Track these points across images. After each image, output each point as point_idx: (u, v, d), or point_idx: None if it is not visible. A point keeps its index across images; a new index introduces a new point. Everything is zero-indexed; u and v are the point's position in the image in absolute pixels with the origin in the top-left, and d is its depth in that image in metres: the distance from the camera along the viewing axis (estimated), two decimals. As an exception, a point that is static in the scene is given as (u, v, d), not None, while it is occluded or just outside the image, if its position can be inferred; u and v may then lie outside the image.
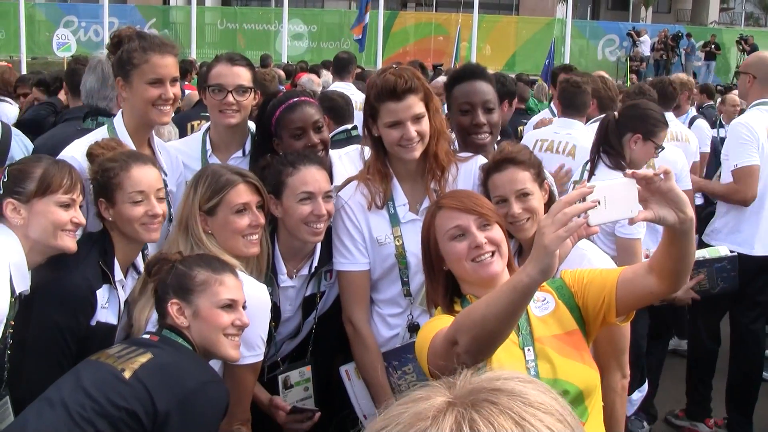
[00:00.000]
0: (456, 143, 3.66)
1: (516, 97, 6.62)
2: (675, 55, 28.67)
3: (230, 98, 3.62)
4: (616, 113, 4.62)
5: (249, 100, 3.70)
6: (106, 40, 3.81)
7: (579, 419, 1.13)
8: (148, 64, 3.30)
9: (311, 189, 3.23)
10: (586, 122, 5.87)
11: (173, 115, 4.03)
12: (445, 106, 3.89)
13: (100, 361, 2.57)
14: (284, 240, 3.38)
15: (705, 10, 49.70)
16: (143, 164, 3.07)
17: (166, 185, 3.29)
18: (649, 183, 2.12)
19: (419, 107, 3.18)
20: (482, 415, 1.06)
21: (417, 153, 3.21)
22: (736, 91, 10.03)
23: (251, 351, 3.02)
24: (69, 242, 2.89)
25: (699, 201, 6.45)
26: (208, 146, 3.78)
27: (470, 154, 3.47)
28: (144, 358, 2.55)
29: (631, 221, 2.16)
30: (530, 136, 5.98)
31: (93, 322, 2.92)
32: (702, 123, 8.11)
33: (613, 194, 2.09)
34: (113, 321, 2.99)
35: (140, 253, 3.24)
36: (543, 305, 2.64)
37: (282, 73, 12.21)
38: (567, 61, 19.25)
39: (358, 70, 11.13)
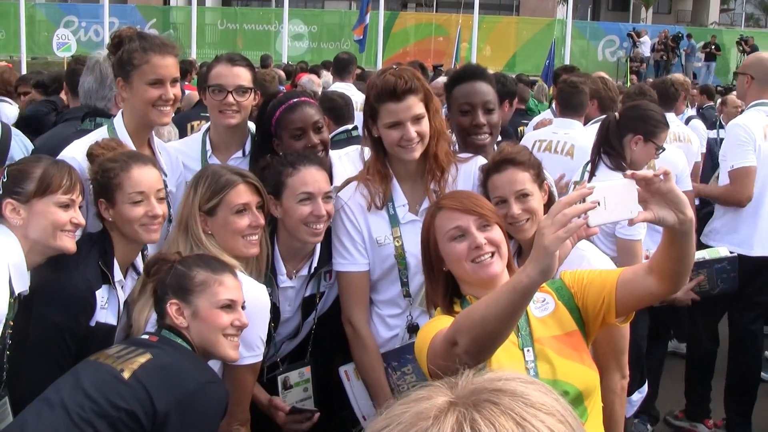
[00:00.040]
0: (456, 144, 3.65)
1: (516, 97, 6.63)
2: (675, 55, 28.67)
3: (230, 99, 3.62)
4: (616, 114, 4.62)
5: (249, 100, 3.70)
6: (107, 41, 3.81)
7: (580, 420, 1.14)
8: (148, 65, 3.30)
9: (311, 189, 3.23)
10: (587, 123, 5.87)
11: (173, 115, 4.03)
12: (445, 106, 3.89)
13: (99, 361, 2.57)
14: (284, 240, 3.38)
15: (705, 10, 49.74)
16: (143, 165, 3.07)
17: (166, 186, 3.29)
18: (649, 184, 2.12)
19: (419, 108, 3.18)
20: (483, 416, 1.06)
21: (417, 154, 3.21)
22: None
23: (250, 351, 3.01)
24: (68, 243, 2.89)
25: (696, 201, 6.45)
26: (208, 147, 3.77)
27: (470, 155, 3.47)
28: (143, 359, 2.54)
29: (631, 222, 2.16)
30: (529, 136, 6.00)
31: (92, 323, 2.91)
32: (698, 124, 8.12)
33: (613, 195, 2.09)
34: (113, 321, 2.99)
35: (140, 254, 3.24)
36: (543, 306, 2.64)
37: (282, 73, 12.21)
38: (567, 61, 19.25)
39: (358, 71, 11.13)
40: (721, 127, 8.80)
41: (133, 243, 3.11)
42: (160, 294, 2.81)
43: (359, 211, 3.36)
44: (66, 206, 2.89)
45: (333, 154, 3.70)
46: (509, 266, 2.66)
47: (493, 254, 2.59)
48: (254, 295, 2.98)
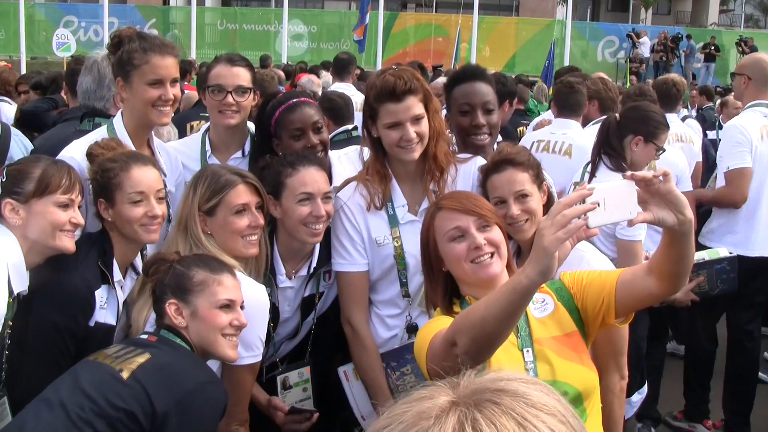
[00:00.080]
0: (455, 144, 3.65)
1: (516, 97, 6.63)
2: (674, 56, 28.68)
3: (230, 99, 3.62)
4: (617, 115, 4.62)
5: (248, 100, 3.70)
6: (106, 41, 3.80)
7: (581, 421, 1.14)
8: (148, 65, 3.29)
9: (310, 190, 3.23)
10: (587, 124, 5.88)
11: (172, 115, 4.02)
12: (445, 107, 3.89)
13: (98, 361, 2.57)
14: (283, 241, 3.37)
15: (705, 11, 49.77)
16: (143, 165, 3.07)
17: (165, 186, 3.28)
18: (649, 185, 2.12)
19: (418, 108, 3.17)
20: (485, 416, 1.06)
21: (416, 154, 3.21)
22: (734, 93, 10.03)
23: (249, 351, 3.01)
24: (67, 243, 2.89)
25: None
26: (208, 147, 3.77)
27: (469, 155, 3.47)
28: (142, 359, 2.54)
29: (630, 223, 2.16)
30: (528, 137, 6.02)
31: (91, 323, 2.91)
32: (693, 123, 8.12)
33: (613, 196, 2.09)
34: (112, 321, 2.99)
35: (139, 254, 3.24)
36: (542, 307, 2.64)
37: (282, 73, 12.22)
38: (567, 62, 19.30)
39: (358, 71, 11.13)
40: (721, 128, 8.83)
41: (133, 243, 3.11)
42: (159, 294, 2.81)
43: (358, 211, 3.36)
44: (65, 206, 2.88)
45: (332, 154, 3.70)
46: (509, 267, 2.66)
47: (492, 255, 2.59)
48: (253, 295, 2.98)
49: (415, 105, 3.17)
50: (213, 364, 2.87)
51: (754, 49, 23.55)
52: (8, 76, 7.77)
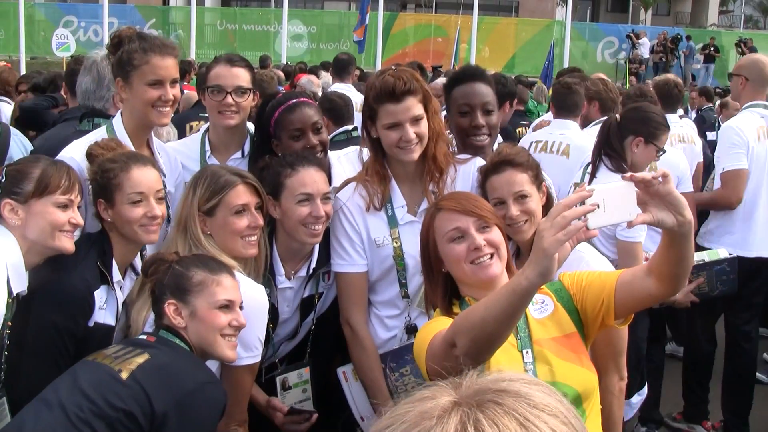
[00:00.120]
0: (455, 145, 3.65)
1: (516, 98, 6.64)
2: (674, 57, 28.70)
3: (229, 99, 3.62)
4: (617, 116, 4.62)
5: (248, 101, 3.70)
6: (106, 41, 3.80)
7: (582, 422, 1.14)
8: (148, 65, 3.29)
9: (309, 190, 3.23)
10: (587, 124, 5.89)
11: (172, 115, 4.02)
12: (444, 107, 3.89)
13: (97, 361, 2.57)
14: (282, 241, 3.37)
15: (704, 12, 49.80)
16: (143, 165, 3.06)
17: (164, 186, 3.28)
18: (648, 186, 2.12)
19: (418, 109, 3.17)
20: (487, 416, 1.06)
21: (415, 155, 3.21)
22: (734, 94, 10.04)
23: (248, 352, 3.01)
24: (67, 243, 2.89)
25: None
26: (207, 147, 3.77)
27: (469, 156, 3.47)
28: (141, 359, 2.54)
29: (630, 224, 2.16)
30: (527, 138, 6.03)
31: (91, 323, 2.91)
32: (688, 123, 8.13)
33: (612, 197, 2.09)
34: (111, 322, 2.99)
35: (138, 254, 3.24)
36: (542, 308, 2.64)
37: (281, 74, 12.21)
38: (566, 62, 19.31)
39: (358, 72, 11.14)
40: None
41: (132, 243, 3.10)
42: (158, 294, 2.81)
43: (358, 212, 3.36)
44: (64, 206, 2.88)
45: (332, 154, 3.70)
46: (508, 267, 2.66)
47: (492, 255, 2.58)
48: (252, 295, 2.98)
49: (414, 106, 3.16)
50: (212, 365, 2.87)
51: (753, 50, 23.58)
52: (8, 76, 7.77)
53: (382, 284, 3.41)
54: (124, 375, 2.48)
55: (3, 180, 2.87)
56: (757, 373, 6.27)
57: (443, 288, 2.70)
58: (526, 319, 2.58)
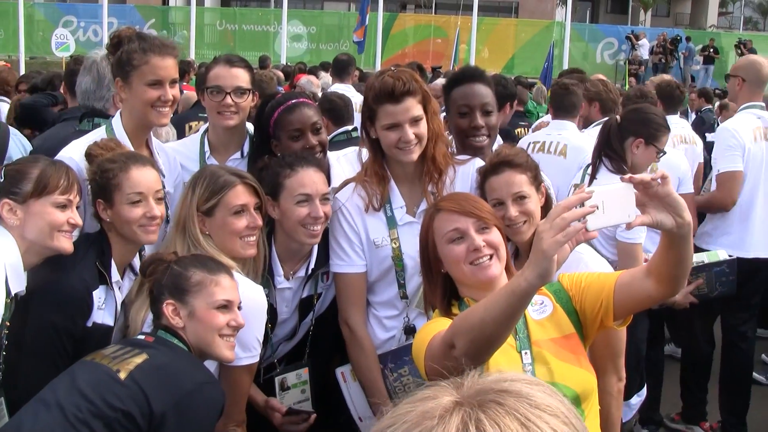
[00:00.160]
0: (454, 146, 3.65)
1: (516, 99, 6.65)
2: (673, 58, 28.75)
3: (228, 100, 3.61)
4: (618, 117, 4.62)
5: (247, 101, 3.70)
6: (105, 41, 3.80)
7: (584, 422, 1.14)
8: (147, 66, 3.29)
9: (308, 191, 3.23)
10: (588, 125, 5.90)
11: (171, 116, 4.02)
12: (443, 108, 3.89)
13: (95, 362, 2.57)
14: (281, 241, 3.37)
15: (704, 14, 49.85)
16: (142, 165, 3.06)
17: (163, 186, 3.28)
18: (647, 187, 2.12)
19: (417, 110, 3.17)
20: (488, 416, 1.07)
21: (415, 155, 3.21)
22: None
23: (247, 352, 3.01)
24: (65, 243, 2.88)
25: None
26: (207, 148, 3.77)
27: (468, 157, 3.47)
28: (139, 359, 2.54)
29: (629, 226, 2.16)
30: (525, 139, 6.04)
31: (89, 323, 2.91)
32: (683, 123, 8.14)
33: (611, 199, 2.08)
34: (110, 322, 2.99)
35: (137, 255, 3.23)
36: (540, 308, 2.64)
37: (281, 74, 12.21)
38: (566, 63, 19.33)
39: (357, 72, 11.14)
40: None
41: (131, 244, 3.10)
42: (156, 294, 2.81)
43: (357, 212, 3.36)
44: (63, 207, 2.88)
45: (331, 155, 3.70)
46: (507, 268, 2.66)
47: (491, 256, 2.58)
48: (251, 295, 2.98)
49: (413, 106, 3.16)
50: (210, 365, 2.87)
51: (753, 52, 23.62)
52: (7, 76, 7.78)
53: (380, 285, 3.41)
54: (122, 375, 2.48)
55: (2, 180, 2.87)
56: (756, 374, 6.28)
57: (442, 289, 2.70)
58: (525, 320, 2.58)
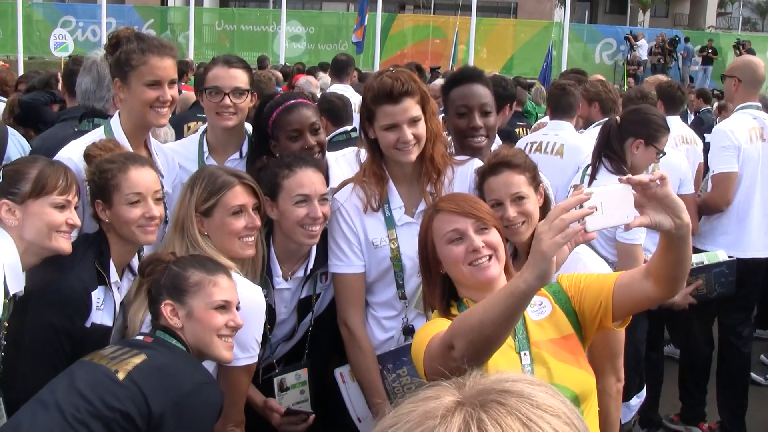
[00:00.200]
0: (452, 146, 3.65)
1: (516, 100, 6.66)
2: (672, 59, 28.76)
3: (227, 101, 3.61)
4: (618, 118, 4.63)
5: (246, 102, 3.69)
6: (104, 41, 3.80)
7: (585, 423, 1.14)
8: (146, 66, 3.29)
9: (307, 191, 3.23)
10: (589, 125, 5.91)
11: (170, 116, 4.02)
12: (442, 108, 3.89)
13: (93, 362, 2.57)
14: (280, 242, 3.37)
15: (702, 14, 49.88)
16: (141, 166, 3.06)
17: (162, 187, 3.28)
18: (645, 189, 2.12)
19: (416, 110, 3.17)
20: (490, 416, 1.07)
21: (413, 156, 3.21)
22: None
23: (245, 353, 3.01)
24: (63, 243, 2.88)
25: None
26: (205, 148, 3.76)
27: (466, 157, 3.47)
28: (138, 359, 2.54)
29: (628, 227, 2.16)
30: (523, 139, 6.05)
31: (88, 324, 2.91)
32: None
33: (610, 200, 2.08)
34: (108, 323, 2.98)
35: (136, 255, 3.23)
36: (539, 309, 2.64)
37: (279, 74, 12.20)
38: (565, 64, 19.35)
39: (356, 73, 11.14)
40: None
41: (130, 244, 3.10)
42: (155, 294, 2.80)
43: (355, 212, 3.35)
44: (62, 207, 2.88)
45: (330, 155, 3.70)
46: (506, 269, 2.66)
47: (490, 257, 2.58)
48: (249, 296, 2.98)
49: (412, 107, 3.16)
50: (209, 365, 2.87)
51: (751, 52, 23.64)
52: (6, 76, 7.77)
53: (379, 285, 3.41)
54: (120, 375, 2.48)
55: (0, 180, 2.87)
56: (756, 375, 6.29)
57: (441, 289, 2.70)
58: (524, 321, 2.58)
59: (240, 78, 3.69)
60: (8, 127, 4.70)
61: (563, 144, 5.49)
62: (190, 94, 7.40)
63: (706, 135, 8.62)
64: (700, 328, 5.58)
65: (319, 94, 7.97)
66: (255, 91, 3.82)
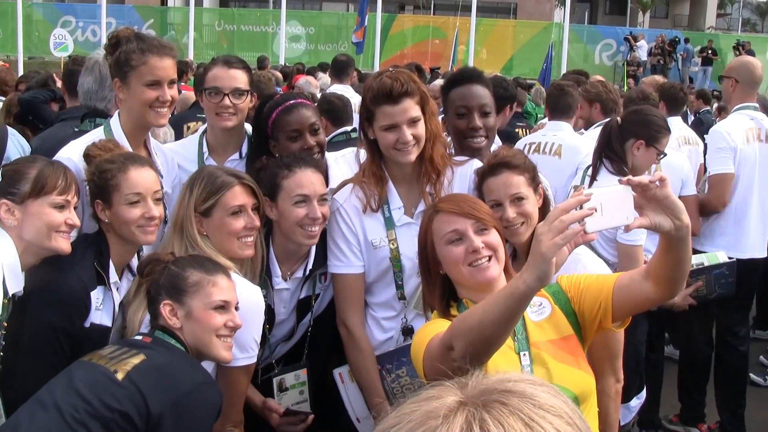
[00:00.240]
0: (452, 147, 3.65)
1: (516, 101, 6.66)
2: (672, 60, 28.77)
3: (227, 101, 3.61)
4: (618, 119, 4.63)
5: (245, 102, 3.69)
6: (104, 41, 3.80)
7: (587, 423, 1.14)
8: (146, 66, 3.28)
9: (306, 192, 3.23)
10: (589, 126, 5.91)
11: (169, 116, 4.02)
12: (442, 109, 3.89)
13: (92, 362, 2.57)
14: (279, 242, 3.37)
15: (702, 15, 49.90)
16: (140, 166, 3.06)
17: (162, 187, 3.28)
18: (645, 190, 2.12)
19: (415, 111, 3.17)
20: (492, 416, 1.07)
21: (412, 156, 3.21)
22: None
23: (244, 353, 3.01)
24: (63, 243, 2.88)
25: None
26: (205, 148, 3.76)
27: (466, 158, 3.46)
28: (137, 360, 2.54)
29: (627, 228, 2.16)
30: (523, 140, 6.05)
31: (87, 324, 2.90)
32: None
33: (610, 201, 2.08)
34: (107, 323, 2.98)
35: (136, 255, 3.23)
36: (539, 310, 2.64)
37: (279, 75, 12.20)
38: (564, 64, 19.36)
39: (356, 73, 11.15)
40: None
41: (129, 244, 3.10)
42: (154, 294, 2.80)
43: (354, 213, 3.35)
44: (61, 207, 2.88)
45: (329, 156, 3.69)
46: (506, 270, 2.66)
47: (490, 258, 2.58)
48: (248, 296, 2.98)
49: (411, 107, 3.16)
50: (208, 366, 2.87)
51: (751, 53, 23.63)
52: (6, 76, 7.77)
53: (378, 286, 3.41)
54: (119, 376, 2.48)
55: (0, 180, 2.87)
56: (754, 376, 6.30)
57: (441, 290, 2.70)
58: (524, 322, 2.58)
59: (240, 78, 3.69)
60: (8, 127, 4.70)
61: (561, 144, 5.49)
62: (190, 94, 7.40)
63: (706, 136, 8.65)
64: (699, 328, 5.59)
65: (318, 95, 7.97)
66: (255, 92, 3.82)
